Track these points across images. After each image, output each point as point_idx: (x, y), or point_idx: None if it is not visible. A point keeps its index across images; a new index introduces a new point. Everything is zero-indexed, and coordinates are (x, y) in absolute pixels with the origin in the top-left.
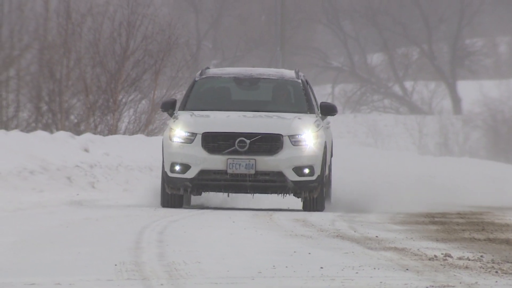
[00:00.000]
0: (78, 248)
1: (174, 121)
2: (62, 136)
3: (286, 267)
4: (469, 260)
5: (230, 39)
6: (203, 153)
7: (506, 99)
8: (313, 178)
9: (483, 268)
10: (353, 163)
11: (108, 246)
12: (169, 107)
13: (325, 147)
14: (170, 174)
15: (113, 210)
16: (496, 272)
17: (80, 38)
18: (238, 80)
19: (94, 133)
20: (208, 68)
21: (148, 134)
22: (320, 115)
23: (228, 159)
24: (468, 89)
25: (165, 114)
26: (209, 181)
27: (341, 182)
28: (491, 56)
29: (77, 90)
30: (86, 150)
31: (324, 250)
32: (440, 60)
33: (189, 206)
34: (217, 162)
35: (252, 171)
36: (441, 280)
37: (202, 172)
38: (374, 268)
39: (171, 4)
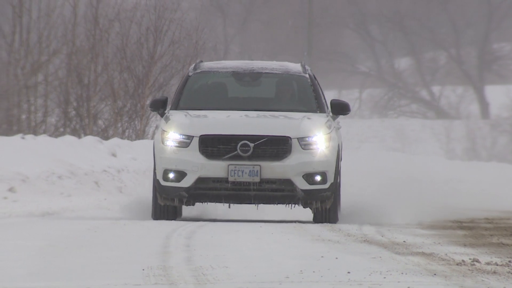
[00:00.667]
0: (106, 252)
1: (167, 122)
2: (90, 141)
3: (313, 271)
4: (497, 265)
5: (258, 43)
6: (201, 159)
7: None
8: (326, 186)
9: (511, 273)
10: (380, 168)
11: (135, 250)
12: (160, 106)
13: (338, 151)
14: (163, 183)
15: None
16: None
17: (108, 43)
18: (238, 75)
19: (122, 138)
20: (201, 61)
21: None
22: (330, 114)
23: (229, 165)
24: (496, 93)
25: None
26: (207, 190)
27: (366, 186)
28: None
29: (105, 95)
30: (114, 155)
31: (351, 255)
32: (467, 65)
33: (180, 218)
34: (216, 168)
35: (257, 179)
36: (469, 286)
37: (199, 180)
38: (402, 273)
39: (198, 8)
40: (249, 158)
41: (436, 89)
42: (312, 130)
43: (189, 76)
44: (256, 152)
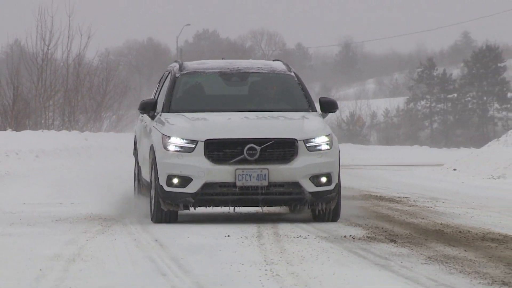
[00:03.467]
0: (95, 188)
1: (164, 125)
2: (74, 133)
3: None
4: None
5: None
6: (207, 164)
7: None
8: (331, 187)
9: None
10: None
11: (116, 182)
12: (150, 109)
13: (339, 151)
14: (166, 188)
15: (103, 167)
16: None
17: (83, 86)
18: (225, 75)
19: (90, 131)
20: (181, 61)
21: (117, 131)
22: (320, 112)
23: (236, 169)
24: None
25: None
26: (214, 195)
27: None
28: None
29: (82, 110)
30: (86, 139)
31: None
32: None
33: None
34: (223, 173)
35: (265, 183)
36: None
37: (206, 186)
38: (279, 218)
39: (126, 69)
40: (256, 161)
41: None
42: (316, 131)
43: (176, 77)
44: (263, 155)
